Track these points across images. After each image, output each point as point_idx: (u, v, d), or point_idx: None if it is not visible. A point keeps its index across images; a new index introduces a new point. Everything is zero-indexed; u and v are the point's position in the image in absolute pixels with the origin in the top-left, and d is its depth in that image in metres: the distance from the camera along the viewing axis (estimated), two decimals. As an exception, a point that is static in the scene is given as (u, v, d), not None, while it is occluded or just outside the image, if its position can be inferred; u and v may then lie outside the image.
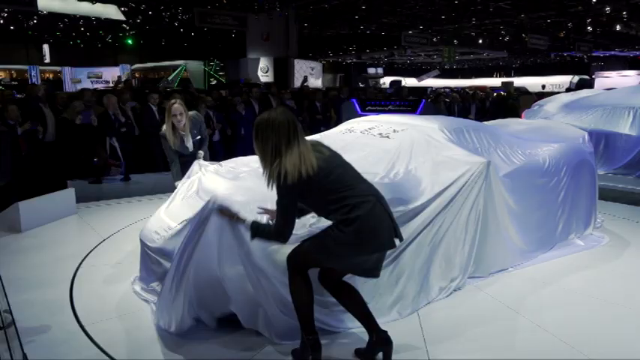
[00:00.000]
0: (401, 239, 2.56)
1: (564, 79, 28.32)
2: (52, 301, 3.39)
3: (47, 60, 25.39)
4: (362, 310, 2.61)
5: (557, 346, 2.84)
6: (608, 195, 6.32)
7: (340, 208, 2.39)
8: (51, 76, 26.66)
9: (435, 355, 2.71)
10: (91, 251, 4.42)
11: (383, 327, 2.65)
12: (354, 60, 31.17)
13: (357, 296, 2.64)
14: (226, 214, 2.61)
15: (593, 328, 3.06)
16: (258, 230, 2.50)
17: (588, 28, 19.75)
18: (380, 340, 2.60)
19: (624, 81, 23.36)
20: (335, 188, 2.39)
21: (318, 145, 2.49)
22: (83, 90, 8.58)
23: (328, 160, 2.44)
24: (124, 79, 20.16)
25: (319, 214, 2.63)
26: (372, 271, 2.57)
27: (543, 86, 24.70)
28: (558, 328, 3.02)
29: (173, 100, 4.22)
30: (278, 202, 2.40)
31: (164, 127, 4.18)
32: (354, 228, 2.35)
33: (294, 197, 2.39)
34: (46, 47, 25.23)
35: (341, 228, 2.38)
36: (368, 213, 2.37)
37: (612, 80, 25.71)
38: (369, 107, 8.38)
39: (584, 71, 31.29)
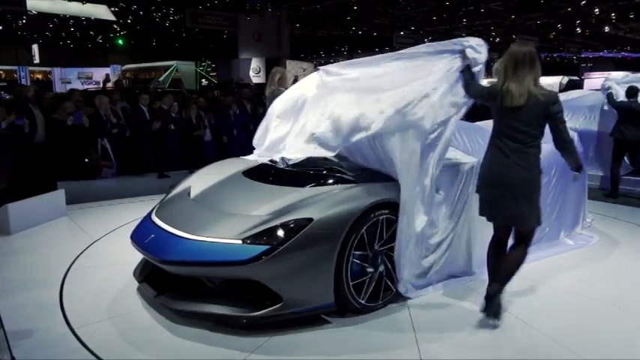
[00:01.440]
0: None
1: (554, 80, 28.53)
2: (41, 304, 3.36)
3: (36, 60, 25.16)
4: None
5: (548, 345, 2.86)
6: (598, 194, 6.38)
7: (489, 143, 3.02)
8: (40, 76, 26.41)
9: (426, 354, 2.72)
10: (81, 253, 4.39)
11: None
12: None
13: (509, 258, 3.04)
14: None
15: (584, 327, 3.09)
16: (463, 76, 3.22)
17: (577, 29, 19.96)
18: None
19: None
20: (496, 127, 2.96)
21: (531, 98, 2.78)
22: (72, 91, 8.51)
23: (515, 110, 2.80)
24: (114, 79, 20.02)
25: None
26: (509, 219, 2.95)
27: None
28: (549, 327, 3.04)
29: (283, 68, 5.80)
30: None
31: (269, 90, 5.44)
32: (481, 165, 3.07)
33: (482, 102, 3.11)
34: (35, 47, 25.00)
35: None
36: (490, 158, 2.96)
37: (601, 81, 25.91)
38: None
39: (574, 72, 31.57)
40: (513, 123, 2.83)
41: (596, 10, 16.78)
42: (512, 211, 2.90)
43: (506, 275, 2.99)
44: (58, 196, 5.68)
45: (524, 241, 3.00)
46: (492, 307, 2.95)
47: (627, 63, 30.56)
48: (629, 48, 26.05)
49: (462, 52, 3.23)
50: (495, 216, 3.01)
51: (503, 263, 3.01)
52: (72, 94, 7.73)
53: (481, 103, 3.21)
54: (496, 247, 3.12)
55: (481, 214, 3.09)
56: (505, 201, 2.89)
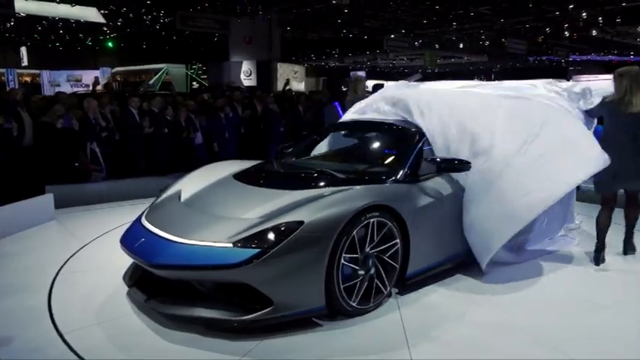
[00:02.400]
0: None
1: (542, 83, 28.84)
2: (29, 308, 3.32)
3: (25, 63, 24.91)
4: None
5: (538, 345, 2.88)
6: (587, 197, 6.42)
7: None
8: (29, 79, 26.15)
9: (417, 355, 2.73)
10: (70, 257, 4.34)
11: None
12: (337, 64, 31.30)
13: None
14: None
15: (574, 327, 3.11)
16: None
17: (565, 33, 20.18)
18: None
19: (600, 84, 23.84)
20: (611, 129, 3.93)
21: None
22: (58, 93, 8.44)
23: (630, 115, 3.75)
24: (104, 82, 19.88)
25: None
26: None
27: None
28: (540, 328, 3.07)
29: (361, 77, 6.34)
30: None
31: (349, 97, 5.87)
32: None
33: (598, 115, 4.31)
34: (23, 50, 24.76)
35: None
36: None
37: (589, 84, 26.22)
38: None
39: (562, 75, 31.94)
40: (626, 127, 3.77)
41: (584, 14, 16.97)
42: (633, 182, 3.94)
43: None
44: (47, 200, 5.62)
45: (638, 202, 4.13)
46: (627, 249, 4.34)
47: (614, 66, 30.98)
48: (616, 51, 26.37)
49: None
50: (616, 189, 4.03)
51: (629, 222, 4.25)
52: (59, 96, 7.67)
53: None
54: (609, 215, 4.09)
55: (602, 190, 4.07)
56: (628, 179, 3.89)
